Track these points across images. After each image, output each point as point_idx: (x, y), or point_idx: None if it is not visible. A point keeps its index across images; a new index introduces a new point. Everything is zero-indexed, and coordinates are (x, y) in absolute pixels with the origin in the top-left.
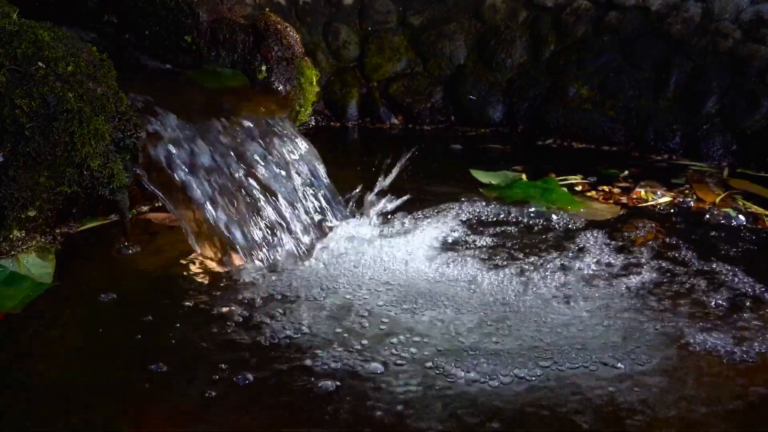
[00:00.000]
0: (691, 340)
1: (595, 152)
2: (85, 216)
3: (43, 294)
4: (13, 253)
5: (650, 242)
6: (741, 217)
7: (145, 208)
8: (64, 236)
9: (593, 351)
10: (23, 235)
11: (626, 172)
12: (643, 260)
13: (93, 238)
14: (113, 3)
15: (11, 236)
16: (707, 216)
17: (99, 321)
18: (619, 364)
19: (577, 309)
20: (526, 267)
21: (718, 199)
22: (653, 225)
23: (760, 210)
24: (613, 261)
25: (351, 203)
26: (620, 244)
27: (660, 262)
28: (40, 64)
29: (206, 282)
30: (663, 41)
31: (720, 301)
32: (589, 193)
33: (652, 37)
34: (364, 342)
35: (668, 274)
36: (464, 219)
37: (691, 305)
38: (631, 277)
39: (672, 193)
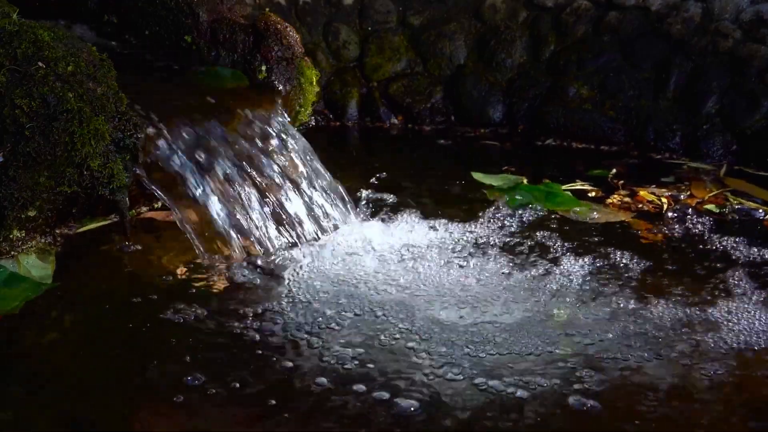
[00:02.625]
0: None
1: (594, 152)
2: (85, 216)
3: (43, 294)
4: (13, 253)
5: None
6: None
7: (145, 208)
8: (64, 236)
9: None
10: (23, 235)
11: (614, 171)
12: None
13: (93, 238)
14: (113, 3)
15: (11, 236)
16: (720, 215)
17: (98, 321)
18: None
19: None
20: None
21: (706, 196)
22: (675, 225)
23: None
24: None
25: (351, 203)
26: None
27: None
28: (40, 64)
29: (206, 281)
30: (663, 41)
31: None
32: (598, 197)
33: (652, 37)
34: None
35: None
36: (474, 225)
37: None
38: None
39: (668, 192)
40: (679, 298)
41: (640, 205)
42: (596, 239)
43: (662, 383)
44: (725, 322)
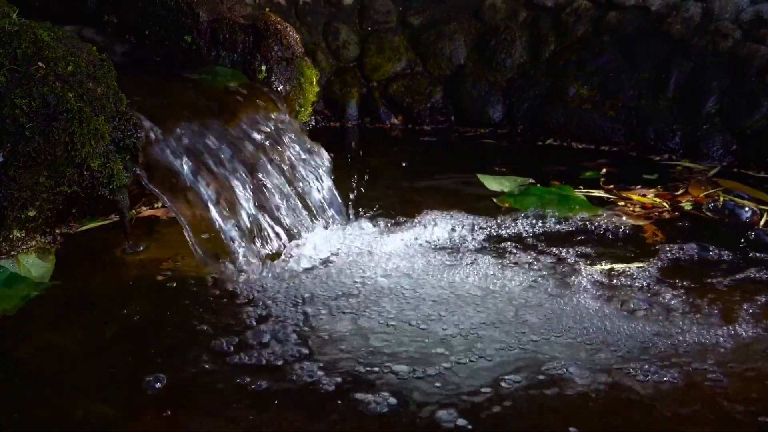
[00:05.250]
0: None
1: (594, 152)
2: (85, 216)
3: (43, 293)
4: (13, 253)
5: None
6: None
7: (145, 208)
8: (64, 236)
9: None
10: (23, 235)
11: (604, 171)
12: None
13: (93, 238)
14: (113, 3)
15: (11, 236)
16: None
17: (98, 321)
18: None
19: None
20: None
21: (702, 194)
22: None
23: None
24: None
25: (352, 203)
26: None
27: None
28: (40, 64)
29: (207, 282)
30: (663, 41)
31: None
32: (609, 200)
33: (652, 37)
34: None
35: None
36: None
37: None
38: None
39: (669, 192)
40: None
41: (657, 212)
42: (620, 244)
43: None
44: None
